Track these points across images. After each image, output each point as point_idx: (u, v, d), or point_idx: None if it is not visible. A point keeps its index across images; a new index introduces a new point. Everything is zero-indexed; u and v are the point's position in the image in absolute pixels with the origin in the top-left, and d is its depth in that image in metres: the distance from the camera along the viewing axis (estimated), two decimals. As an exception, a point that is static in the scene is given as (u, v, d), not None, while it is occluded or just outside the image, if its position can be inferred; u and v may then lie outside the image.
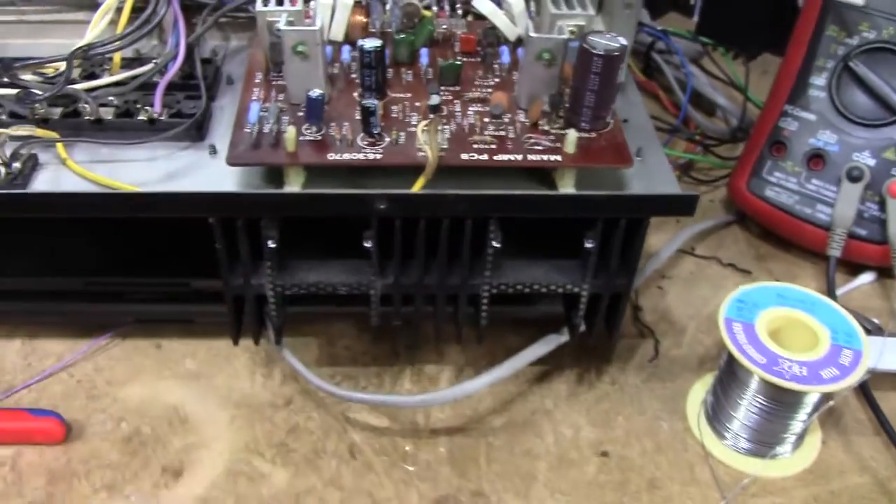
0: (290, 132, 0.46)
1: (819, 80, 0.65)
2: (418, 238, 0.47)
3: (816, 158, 0.65)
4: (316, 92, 0.46)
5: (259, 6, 0.49)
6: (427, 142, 0.46)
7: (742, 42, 0.85)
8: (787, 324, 0.51)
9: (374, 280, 0.49)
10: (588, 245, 0.48)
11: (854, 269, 0.66)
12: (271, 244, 0.47)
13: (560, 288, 0.50)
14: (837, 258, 0.63)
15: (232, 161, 0.46)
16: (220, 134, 0.52)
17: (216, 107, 0.53)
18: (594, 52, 0.46)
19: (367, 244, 0.47)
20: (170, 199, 0.45)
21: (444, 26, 0.56)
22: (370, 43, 0.48)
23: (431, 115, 0.48)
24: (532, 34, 0.48)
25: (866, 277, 0.65)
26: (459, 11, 0.57)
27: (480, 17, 0.54)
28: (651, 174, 0.50)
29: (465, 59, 0.54)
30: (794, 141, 0.65)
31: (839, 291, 0.63)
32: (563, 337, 0.54)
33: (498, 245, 0.47)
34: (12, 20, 0.58)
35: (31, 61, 0.51)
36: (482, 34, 0.54)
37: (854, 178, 0.62)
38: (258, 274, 0.49)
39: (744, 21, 0.84)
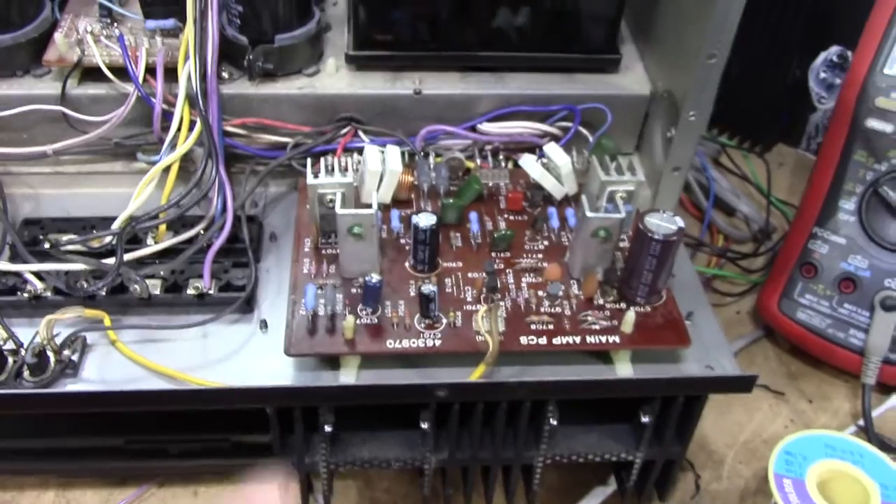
0: (349, 322, 0.46)
1: (848, 204, 0.65)
2: (475, 418, 0.47)
3: (847, 282, 0.65)
4: (374, 279, 0.46)
5: (310, 179, 0.49)
6: (488, 330, 0.46)
7: (757, 134, 0.86)
8: (837, 476, 0.52)
9: (428, 456, 0.49)
10: (644, 420, 0.48)
11: (887, 387, 0.66)
12: (328, 429, 0.46)
13: (614, 456, 0.50)
14: (872, 385, 0.64)
15: (291, 352, 0.46)
16: (269, 302, 0.51)
17: (262, 269, 0.53)
18: (653, 236, 0.46)
19: (424, 425, 0.47)
20: (226, 394, 0.44)
21: (488, 180, 0.55)
22: (425, 220, 0.48)
23: (487, 292, 0.47)
24: (589, 213, 0.47)
25: (900, 397, 0.66)
26: (502, 162, 0.56)
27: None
28: (704, 341, 0.50)
29: (511, 218, 0.53)
30: (825, 264, 0.65)
31: (874, 413, 0.64)
32: (611, 488, 0.55)
33: (555, 423, 0.47)
34: (47, 171, 0.57)
35: (77, 240, 0.50)
36: (529, 195, 0.54)
37: (888, 307, 0.62)
38: (311, 452, 0.48)
39: (759, 113, 0.85)
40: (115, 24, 0.56)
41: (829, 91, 0.81)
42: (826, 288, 0.65)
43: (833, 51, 0.79)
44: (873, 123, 0.61)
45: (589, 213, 0.47)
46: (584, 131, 0.56)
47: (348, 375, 0.47)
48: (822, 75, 0.80)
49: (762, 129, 0.85)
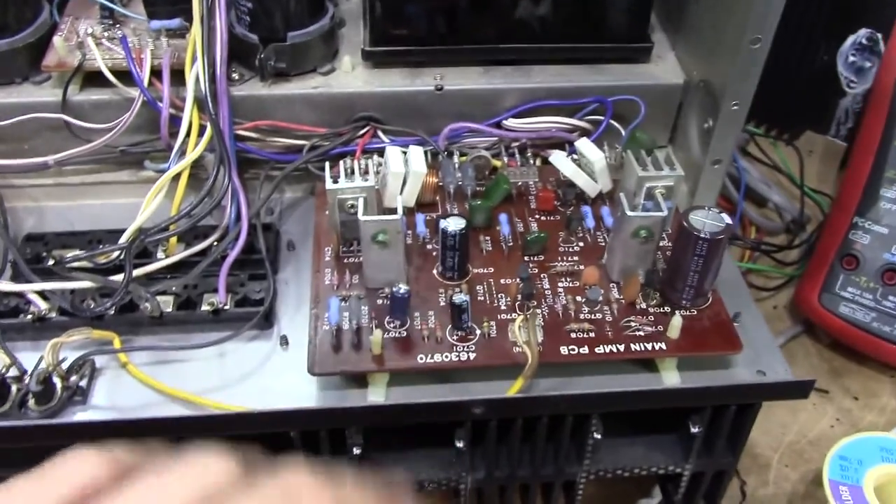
0: (376, 336, 0.43)
1: (890, 192, 0.62)
2: (513, 435, 0.44)
3: (892, 273, 0.62)
4: (401, 289, 0.43)
5: (329, 184, 0.46)
6: (526, 340, 0.43)
7: (785, 121, 0.82)
8: (894, 480, 0.49)
9: (464, 476, 0.46)
10: (694, 430, 0.45)
11: (935, 383, 0.63)
12: (357, 451, 0.43)
13: (661, 469, 0.47)
14: (920, 382, 0.61)
15: (315, 371, 0.43)
16: (289, 317, 0.48)
17: (280, 281, 0.50)
18: (699, 235, 0.43)
19: (459, 444, 0.44)
20: (248, 419, 0.41)
21: (517, 178, 0.52)
22: (454, 225, 0.45)
23: (522, 299, 0.44)
24: (629, 212, 0.44)
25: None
26: (530, 159, 0.53)
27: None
28: (753, 344, 0.47)
29: (543, 218, 0.50)
30: (867, 255, 0.62)
31: (921, 410, 0.61)
32: (655, 500, 0.52)
33: (599, 436, 0.44)
34: (50, 183, 0.54)
35: (82, 255, 0.47)
36: (561, 193, 0.51)
37: (936, 299, 0.59)
38: (340, 474, 0.45)
39: (786, 100, 0.81)
40: (118, 26, 0.53)
41: (859, 75, 0.77)
42: (869, 280, 0.62)
43: (862, 34, 0.76)
44: (914, 107, 0.58)
45: (629, 212, 0.44)
46: (616, 125, 0.53)
47: (377, 394, 0.44)
48: (852, 59, 0.77)
49: (790, 116, 0.82)
